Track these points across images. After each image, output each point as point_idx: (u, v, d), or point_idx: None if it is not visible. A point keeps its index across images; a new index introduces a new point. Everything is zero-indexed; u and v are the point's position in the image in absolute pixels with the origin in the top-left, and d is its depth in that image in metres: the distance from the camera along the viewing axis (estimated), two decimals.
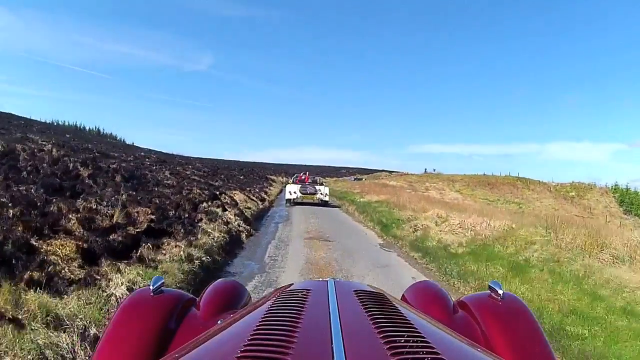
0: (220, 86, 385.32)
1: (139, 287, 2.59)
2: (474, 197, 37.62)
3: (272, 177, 42.45)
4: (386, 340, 0.64)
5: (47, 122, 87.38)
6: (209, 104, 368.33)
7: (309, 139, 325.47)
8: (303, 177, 20.58)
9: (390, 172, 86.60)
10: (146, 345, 1.06)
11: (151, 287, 1.22)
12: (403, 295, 1.49)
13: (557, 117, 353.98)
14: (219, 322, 1.08)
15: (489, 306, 1.25)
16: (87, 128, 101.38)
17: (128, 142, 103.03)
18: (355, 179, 53.22)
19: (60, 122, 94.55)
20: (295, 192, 17.92)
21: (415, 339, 0.64)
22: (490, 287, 1.30)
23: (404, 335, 0.66)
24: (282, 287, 1.15)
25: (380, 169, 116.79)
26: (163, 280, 1.27)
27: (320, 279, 1.13)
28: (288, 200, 17.76)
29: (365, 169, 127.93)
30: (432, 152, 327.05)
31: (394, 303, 0.90)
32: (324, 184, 20.51)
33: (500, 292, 1.26)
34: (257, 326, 0.70)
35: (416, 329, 0.70)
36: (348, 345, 0.61)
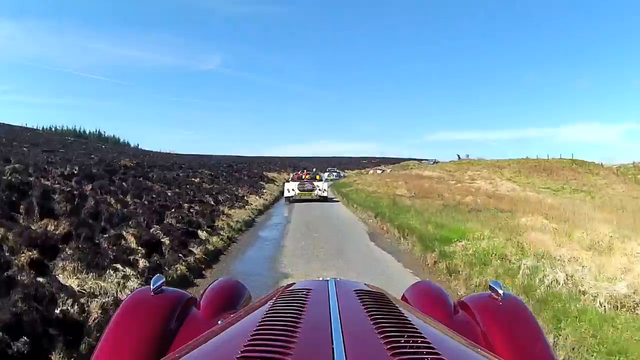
0: (231, 85, 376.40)
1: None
2: (532, 187, 29.40)
3: (272, 176, 32.09)
4: (386, 340, 0.63)
5: (45, 128, 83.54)
6: (221, 103, 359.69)
7: (320, 133, 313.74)
8: (301, 175, 20.42)
9: (420, 160, 77.34)
10: (147, 345, 1.05)
11: (152, 287, 1.20)
12: (403, 295, 1.47)
13: (569, 100, 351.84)
14: (219, 321, 1.09)
15: (489, 306, 1.24)
16: (88, 131, 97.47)
17: (132, 144, 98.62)
18: (434, 163, 46.46)
19: (58, 127, 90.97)
20: (293, 190, 17.66)
21: (416, 339, 0.64)
22: (490, 288, 1.28)
23: (405, 335, 0.66)
24: (283, 286, 1.14)
25: (406, 157, 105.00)
26: (163, 280, 1.25)
27: (321, 279, 1.10)
28: (287, 199, 17.52)
29: (387, 158, 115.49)
30: (446, 139, 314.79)
31: (394, 303, 0.89)
32: (323, 179, 20.08)
33: (501, 292, 1.24)
34: (257, 326, 0.70)
35: (416, 329, 0.70)
36: (348, 345, 0.61)
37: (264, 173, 32.50)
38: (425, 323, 0.80)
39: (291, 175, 21.91)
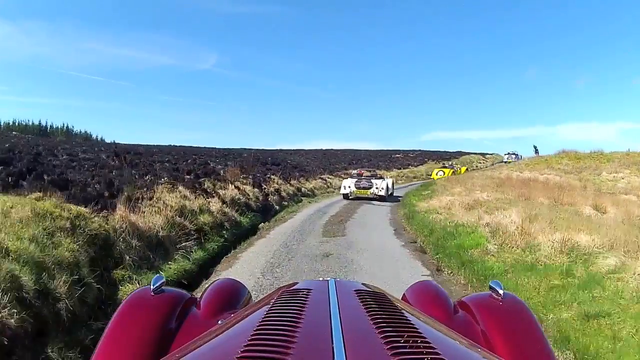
0: (226, 84, 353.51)
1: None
2: None
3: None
4: (386, 340, 0.63)
5: (7, 123, 71.17)
6: (215, 103, 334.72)
7: (311, 133, 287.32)
8: (362, 172, 18.49)
9: (483, 154, 58.32)
10: (147, 345, 1.04)
11: (151, 287, 1.19)
12: (404, 295, 1.46)
13: (567, 99, 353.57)
14: (219, 321, 1.08)
15: (489, 306, 1.22)
16: (55, 127, 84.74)
17: (108, 140, 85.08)
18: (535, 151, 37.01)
19: (22, 122, 78.50)
20: (349, 187, 16.33)
21: (416, 339, 0.64)
22: (490, 287, 1.26)
23: (404, 335, 0.65)
24: (284, 286, 1.13)
25: (459, 150, 63.69)
26: (163, 280, 1.23)
27: (321, 279, 1.09)
28: (344, 195, 16.40)
29: (426, 151, 57.29)
30: (444, 139, 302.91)
31: (394, 303, 0.89)
32: (384, 177, 17.67)
33: (501, 292, 1.23)
34: (258, 326, 0.69)
35: (416, 328, 0.69)
36: (348, 345, 0.60)
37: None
38: (425, 323, 0.80)
39: (352, 173, 19.25)
